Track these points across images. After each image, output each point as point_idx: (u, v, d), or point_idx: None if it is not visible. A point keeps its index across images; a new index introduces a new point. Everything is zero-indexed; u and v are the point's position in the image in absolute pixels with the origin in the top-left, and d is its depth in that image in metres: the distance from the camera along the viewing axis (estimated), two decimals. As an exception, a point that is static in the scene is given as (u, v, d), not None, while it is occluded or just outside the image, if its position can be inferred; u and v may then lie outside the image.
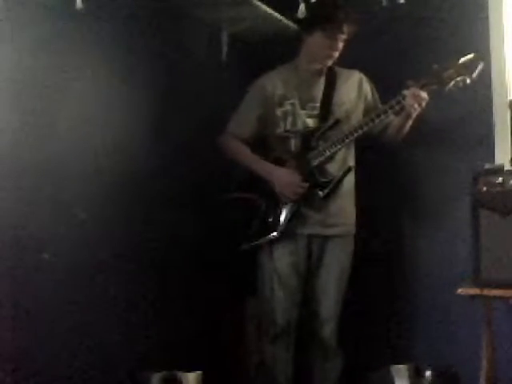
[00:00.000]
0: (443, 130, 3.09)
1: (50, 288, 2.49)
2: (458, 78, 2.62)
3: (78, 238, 2.60)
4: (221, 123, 3.02)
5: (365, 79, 2.99)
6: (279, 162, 2.91)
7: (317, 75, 2.94)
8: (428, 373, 2.91)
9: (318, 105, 2.90)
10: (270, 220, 2.86)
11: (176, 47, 3.14)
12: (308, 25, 2.89)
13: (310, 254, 2.89)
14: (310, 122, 2.89)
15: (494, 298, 2.53)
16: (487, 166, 2.65)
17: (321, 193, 2.82)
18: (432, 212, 3.14)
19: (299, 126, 2.89)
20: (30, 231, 2.45)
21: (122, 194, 2.76)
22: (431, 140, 3.11)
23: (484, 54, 2.89)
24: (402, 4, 2.91)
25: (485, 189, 2.53)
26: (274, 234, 2.84)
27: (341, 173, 2.85)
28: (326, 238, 2.88)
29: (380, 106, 2.92)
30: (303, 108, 2.89)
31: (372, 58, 3.18)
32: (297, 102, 2.89)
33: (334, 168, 2.86)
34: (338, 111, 2.89)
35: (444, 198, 3.08)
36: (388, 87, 2.90)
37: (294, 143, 2.90)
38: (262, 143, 2.98)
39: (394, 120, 2.88)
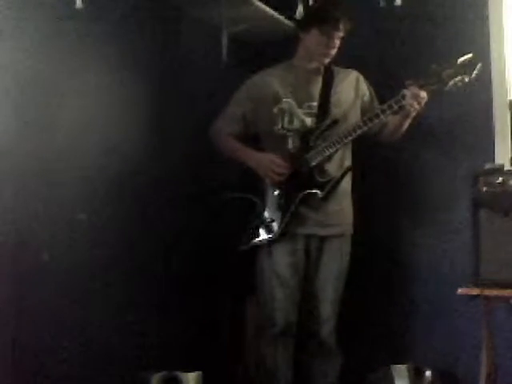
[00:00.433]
0: (443, 130, 3.09)
1: (50, 288, 2.49)
2: (457, 78, 2.61)
3: (77, 238, 2.60)
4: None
5: (362, 78, 2.99)
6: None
7: (314, 74, 2.93)
8: (428, 373, 2.91)
9: (315, 104, 2.89)
10: (269, 220, 2.86)
11: (176, 47, 3.14)
12: (305, 23, 2.90)
13: (309, 254, 2.89)
14: (308, 121, 2.88)
15: (494, 298, 2.53)
16: (487, 165, 2.65)
17: (320, 193, 2.82)
18: (432, 212, 3.14)
19: (296, 124, 2.88)
20: (30, 231, 2.45)
21: (121, 194, 2.77)
22: (431, 140, 3.11)
23: (484, 54, 2.90)
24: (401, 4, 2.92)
25: (485, 189, 2.53)
26: (273, 234, 2.84)
27: (339, 173, 2.84)
28: (323, 238, 2.88)
29: (377, 105, 2.91)
30: (300, 106, 2.88)
31: (371, 58, 3.19)
32: (293, 101, 2.89)
33: (332, 168, 2.85)
34: (336, 110, 2.88)
35: (444, 197, 3.08)
36: (387, 87, 2.90)
37: (292, 142, 2.89)
38: (260, 142, 2.97)
39: (391, 119, 2.87)
